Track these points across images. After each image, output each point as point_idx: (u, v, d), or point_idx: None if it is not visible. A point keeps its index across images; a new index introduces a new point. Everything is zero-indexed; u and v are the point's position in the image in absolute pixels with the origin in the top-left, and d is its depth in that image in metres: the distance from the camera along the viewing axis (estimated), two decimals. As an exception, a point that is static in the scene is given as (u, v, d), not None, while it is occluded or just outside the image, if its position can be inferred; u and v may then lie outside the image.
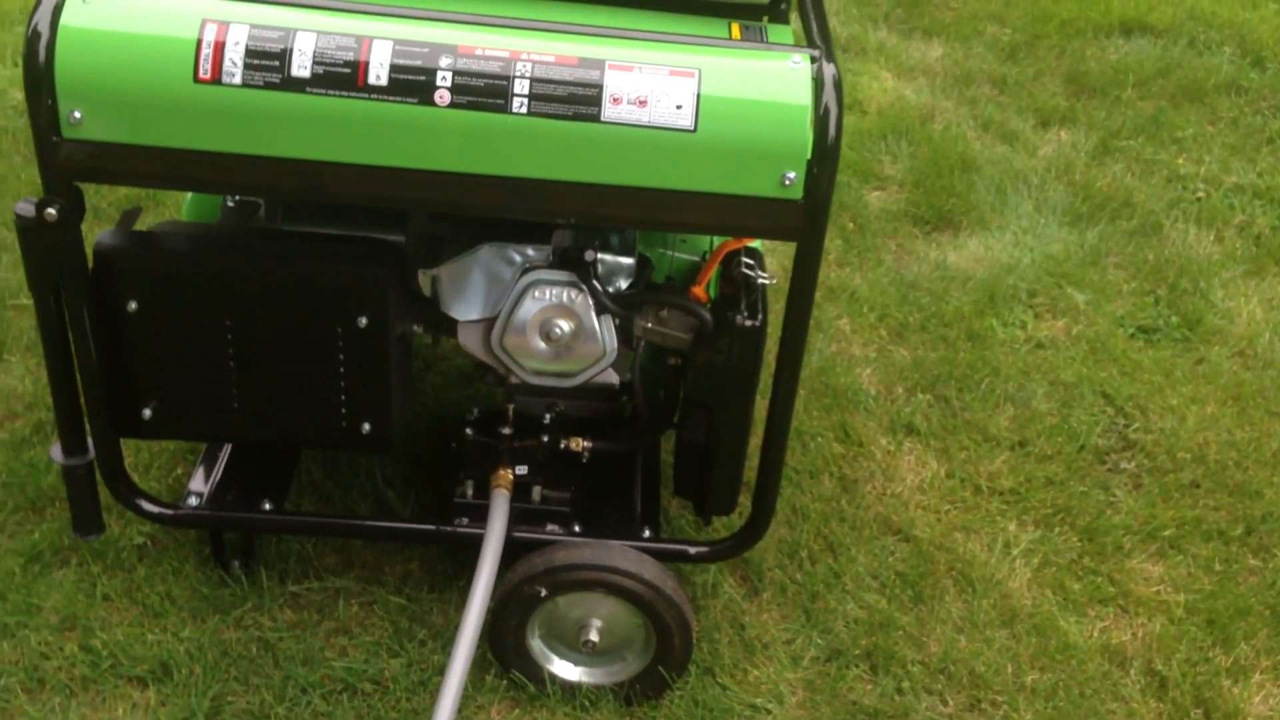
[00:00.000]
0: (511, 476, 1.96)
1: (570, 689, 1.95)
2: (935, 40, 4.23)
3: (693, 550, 2.00)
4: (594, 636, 1.91)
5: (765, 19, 2.14)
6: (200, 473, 2.07)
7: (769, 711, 1.96)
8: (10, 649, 1.94)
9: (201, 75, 1.58)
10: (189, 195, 2.13)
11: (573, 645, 1.94)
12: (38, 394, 2.40)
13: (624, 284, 1.89)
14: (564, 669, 1.96)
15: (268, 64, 1.59)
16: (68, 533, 2.11)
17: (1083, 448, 2.52)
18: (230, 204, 2.01)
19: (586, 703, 1.94)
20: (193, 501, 2.00)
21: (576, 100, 1.60)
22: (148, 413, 1.88)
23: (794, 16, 2.01)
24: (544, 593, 1.86)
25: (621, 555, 1.86)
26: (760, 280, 1.85)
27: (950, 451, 2.48)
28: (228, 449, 2.12)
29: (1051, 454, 2.50)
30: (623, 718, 1.94)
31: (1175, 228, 3.28)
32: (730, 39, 1.99)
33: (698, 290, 1.87)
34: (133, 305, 1.79)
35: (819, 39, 1.72)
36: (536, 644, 1.94)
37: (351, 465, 2.29)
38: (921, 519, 2.32)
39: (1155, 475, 2.48)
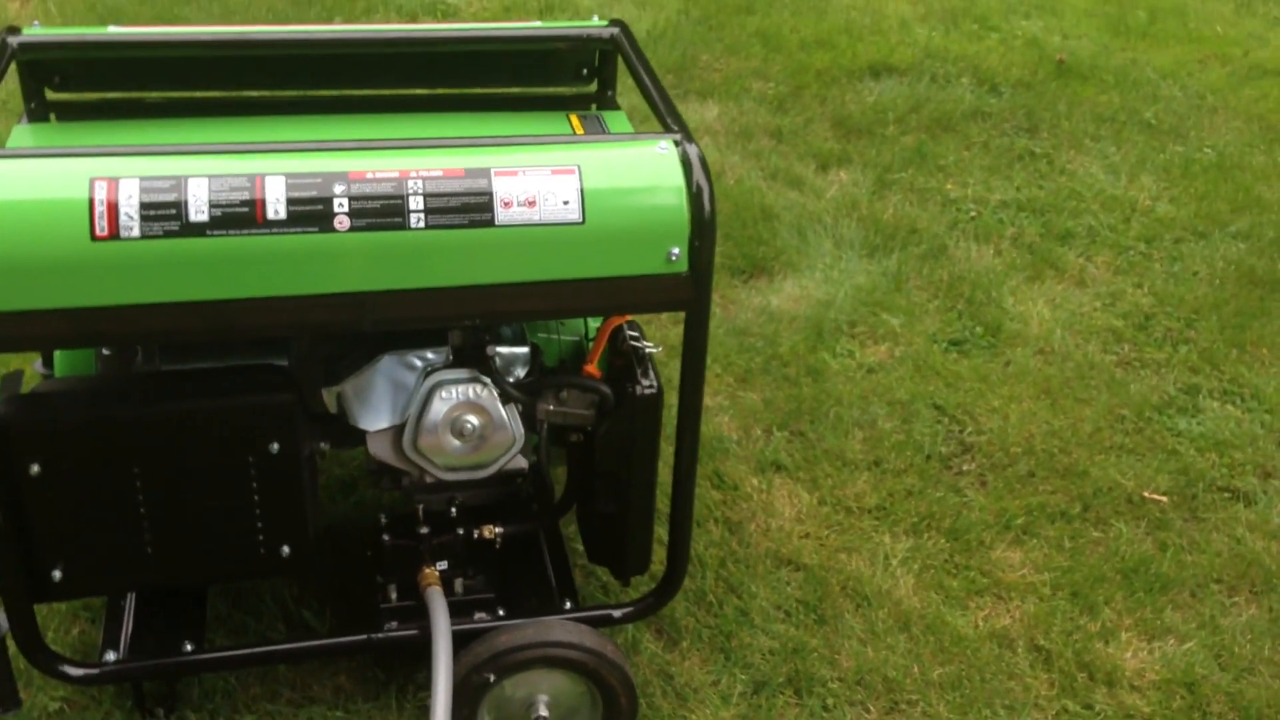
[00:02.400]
0: (437, 573, 2.02)
1: (526, 768, 2.02)
2: (710, 101, 4.50)
3: (617, 613, 2.10)
4: (544, 712, 1.98)
5: (594, 107, 2.30)
6: (110, 627, 2.03)
7: (713, 751, 2.08)
8: (-59, 844, 1.86)
9: (99, 233, 1.60)
10: (58, 352, 2.11)
11: (523, 725, 2.01)
12: (-99, 577, 2.29)
13: (521, 372, 1.99)
14: (518, 750, 2.03)
15: (164, 213, 1.62)
16: (-25, 714, 2.04)
17: (929, 457, 2.76)
18: (106, 352, 2.00)
19: (544, 778, 2.00)
20: (111, 657, 1.97)
21: (470, 209, 1.70)
22: (57, 574, 1.85)
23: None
24: (492, 678, 1.92)
25: (561, 629, 1.94)
26: (647, 349, 1.98)
27: (817, 480, 2.67)
28: (132, 598, 2.09)
29: (904, 468, 2.72)
30: (580, 785, 2.02)
31: (959, 246, 3.61)
32: (577, 133, 2.14)
33: (590, 368, 1.99)
34: (35, 468, 1.77)
35: (673, 124, 1.88)
36: (488, 732, 2.00)
37: (256, 593, 2.29)
38: (806, 547, 2.49)
39: (995, 471, 2.73)
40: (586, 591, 2.34)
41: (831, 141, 4.23)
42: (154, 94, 2.16)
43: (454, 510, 2.08)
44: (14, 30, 2.01)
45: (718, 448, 2.74)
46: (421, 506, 2.06)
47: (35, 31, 2.02)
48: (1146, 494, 2.67)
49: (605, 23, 2.22)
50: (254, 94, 2.19)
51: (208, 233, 1.63)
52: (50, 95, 2.11)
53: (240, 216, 1.64)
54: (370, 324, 1.75)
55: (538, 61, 2.25)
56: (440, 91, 2.23)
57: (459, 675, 1.92)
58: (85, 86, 2.13)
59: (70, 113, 2.12)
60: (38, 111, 2.10)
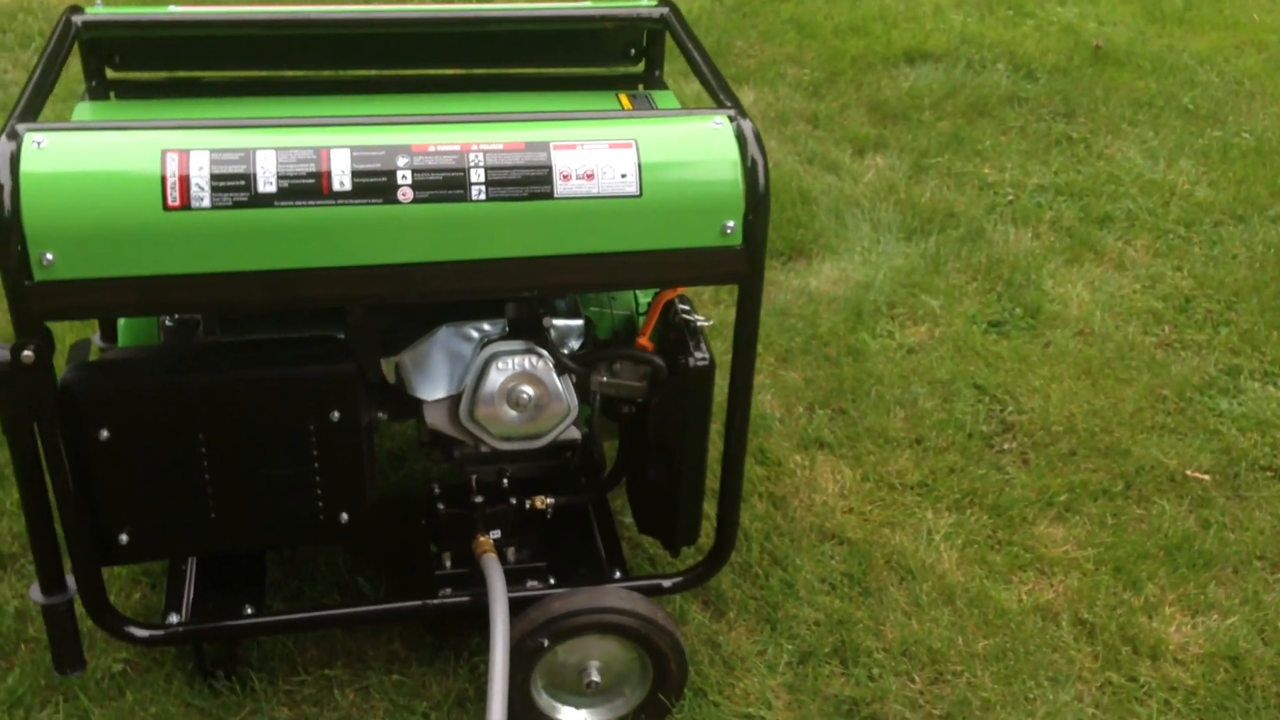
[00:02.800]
0: (491, 541, 2.06)
1: (578, 733, 2.06)
2: (745, 86, 4.52)
3: (667, 583, 2.14)
4: (596, 677, 2.02)
5: (641, 87, 2.33)
6: (172, 590, 2.08)
7: (761, 718, 2.11)
8: (13, 800, 1.92)
9: (170, 203, 1.64)
10: (123, 321, 2.16)
11: (575, 690, 2.04)
12: (-35, 545, 2.36)
13: (575, 344, 2.03)
14: (570, 715, 2.06)
15: (234, 184, 1.66)
16: (43, 673, 2.09)
17: (971, 436, 2.78)
18: (169, 323, 2.05)
19: (595, 742, 2.04)
20: (174, 619, 2.02)
21: (530, 181, 1.73)
22: (124, 538, 1.89)
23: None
24: (546, 643, 1.96)
25: (614, 596, 1.98)
26: (699, 323, 2.02)
27: (859, 457, 2.70)
28: (193, 563, 2.14)
29: (946, 445, 2.74)
30: (630, 750, 2.06)
31: (997, 230, 3.62)
32: (625, 109, 2.17)
33: (643, 341, 2.02)
34: (104, 434, 1.81)
35: (727, 100, 1.91)
36: (542, 697, 2.04)
37: (312, 560, 2.33)
38: (850, 522, 2.52)
39: (1037, 450, 2.75)
40: (633, 563, 2.38)
41: (867, 126, 4.25)
42: (212, 73, 2.20)
43: (505, 481, 2.12)
44: (78, 9, 2.06)
45: (760, 425, 2.77)
46: (474, 477, 2.10)
47: (98, 11, 2.07)
48: (1189, 472, 2.69)
49: (655, 3, 2.25)
50: (308, 74, 2.23)
51: (275, 203, 1.67)
52: (110, 74, 2.16)
53: (307, 188, 1.67)
54: (430, 295, 1.79)
55: (587, 41, 2.29)
56: (491, 71, 2.27)
57: (513, 640, 1.95)
58: (145, 65, 2.18)
59: (129, 91, 2.17)
60: (98, 90, 2.15)
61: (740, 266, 1.82)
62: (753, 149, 1.78)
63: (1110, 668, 2.23)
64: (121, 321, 2.17)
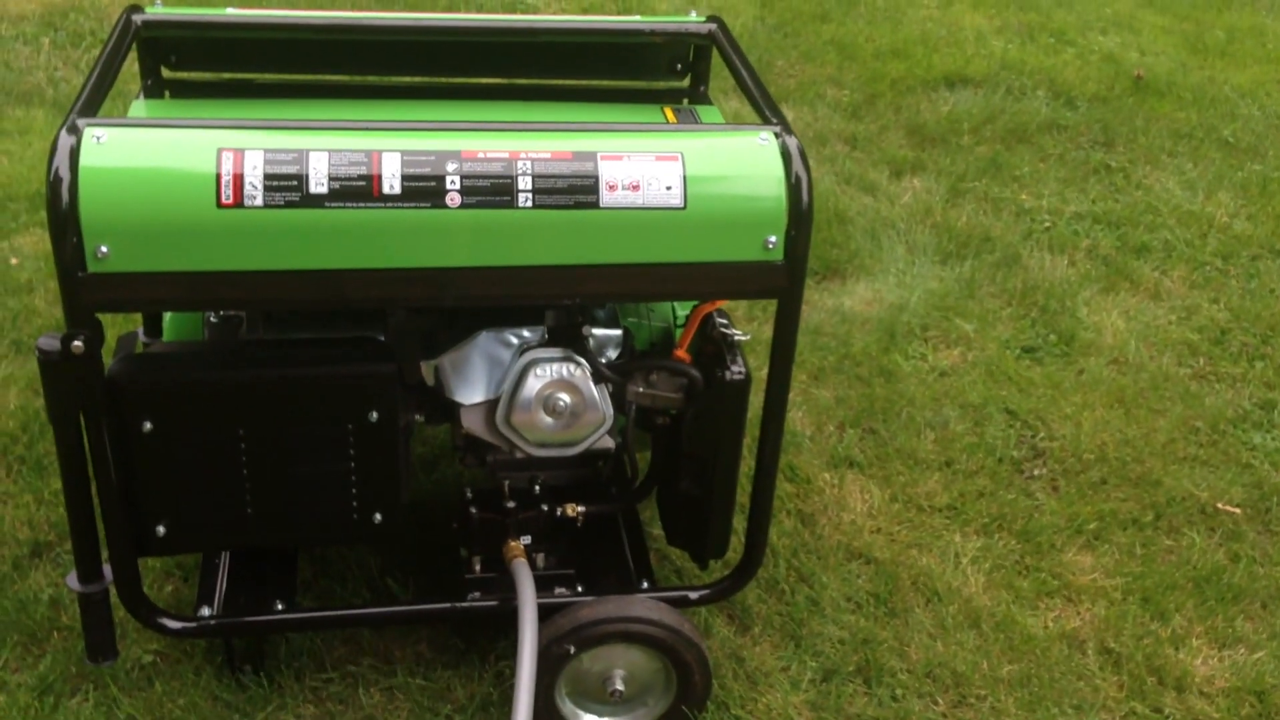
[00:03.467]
0: (522, 547, 2.07)
1: (601, 741, 2.07)
2: (785, 106, 4.54)
3: (694, 595, 2.15)
4: (620, 686, 2.03)
5: (686, 101, 2.36)
6: (205, 584, 2.11)
7: (784, 734, 2.12)
8: (43, 783, 1.95)
9: (224, 201, 1.67)
10: (169, 316, 2.19)
11: (599, 698, 2.06)
12: (3, 531, 2.39)
13: (613, 354, 2.05)
14: (593, 724, 2.08)
15: (286, 184, 1.69)
16: (74, 661, 2.12)
17: (1001, 460, 2.78)
18: (214, 319, 2.08)
19: (618, 751, 2.05)
20: (206, 612, 2.04)
21: (576, 190, 1.75)
22: (161, 530, 1.92)
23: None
24: (572, 650, 1.97)
25: (641, 606, 1.99)
26: (737, 337, 2.03)
27: (889, 478, 2.70)
28: (226, 558, 2.17)
29: (975, 469, 2.74)
30: (653, 760, 2.06)
31: (1033, 256, 3.62)
32: (670, 123, 2.19)
33: (680, 353, 2.04)
34: (147, 426, 1.84)
35: (773, 116, 1.92)
36: (566, 704, 2.05)
37: (343, 560, 2.36)
38: (877, 542, 2.52)
39: (1068, 477, 2.75)
40: (660, 574, 2.38)
41: (905, 149, 4.26)
42: (265, 75, 2.24)
43: (537, 488, 2.14)
44: (137, 9, 2.10)
45: (790, 442, 2.77)
46: (506, 483, 2.12)
47: (158, 11, 2.11)
48: (1220, 505, 2.68)
49: (703, 19, 2.27)
50: (358, 79, 2.26)
51: (326, 204, 1.70)
52: (165, 73, 2.20)
53: (357, 190, 1.70)
54: (474, 300, 1.81)
55: (634, 55, 2.31)
56: (538, 82, 2.30)
57: (540, 645, 1.97)
58: (200, 66, 2.22)
59: (183, 90, 2.21)
60: (153, 88, 2.19)
61: (781, 282, 1.84)
62: (797, 165, 1.80)
63: (1135, 698, 2.23)
64: (167, 316, 2.20)
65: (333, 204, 1.70)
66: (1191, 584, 2.46)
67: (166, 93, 2.20)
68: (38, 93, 4.28)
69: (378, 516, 1.98)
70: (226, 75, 2.24)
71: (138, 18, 2.08)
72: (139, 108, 2.13)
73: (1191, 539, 2.58)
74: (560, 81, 2.31)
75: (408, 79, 2.28)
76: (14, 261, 3.27)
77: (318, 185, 1.70)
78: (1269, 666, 2.29)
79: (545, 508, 2.12)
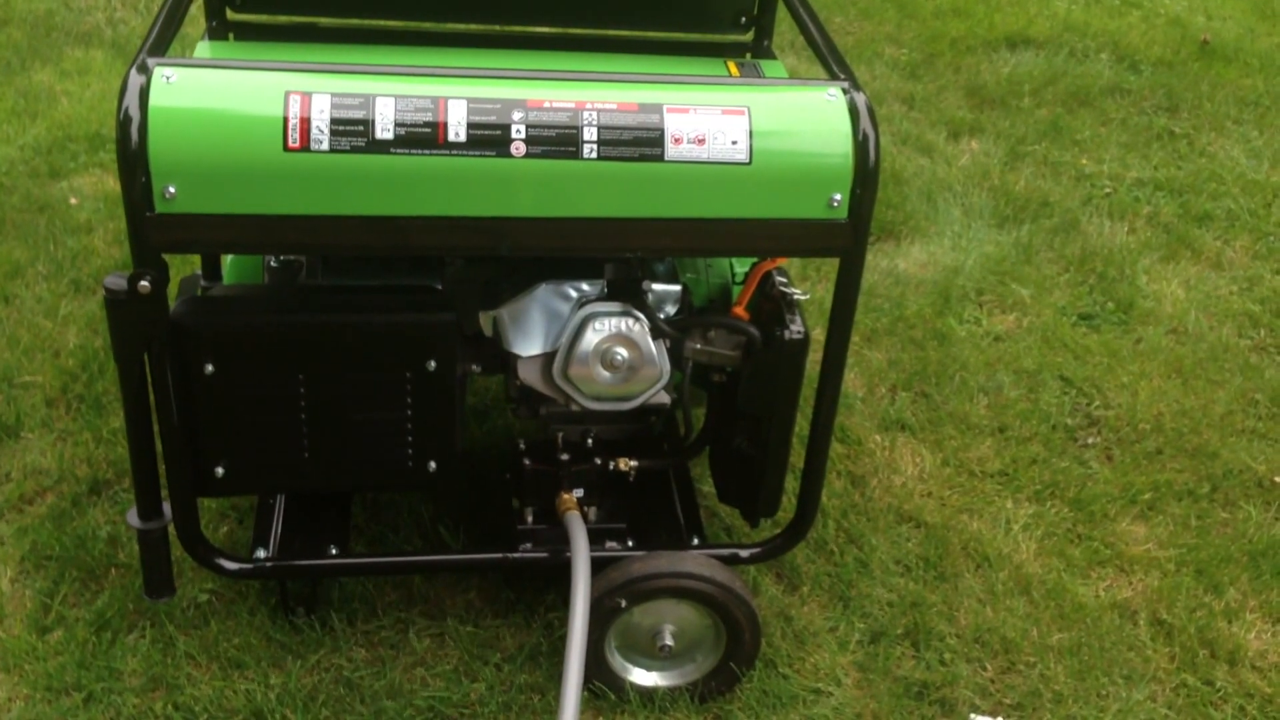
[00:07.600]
0: (575, 499, 2.08)
1: (648, 694, 2.07)
2: (842, 64, 4.47)
3: (744, 553, 2.14)
4: (669, 641, 2.03)
5: (749, 55, 2.33)
6: (260, 526, 2.13)
7: (830, 694, 2.12)
8: (101, 714, 1.98)
9: (291, 144, 1.67)
10: (229, 259, 2.21)
11: (648, 652, 2.06)
12: (63, 468, 2.43)
13: (671, 310, 2.04)
14: (641, 676, 2.08)
15: (353, 129, 1.68)
16: (131, 598, 2.15)
17: (1055, 427, 2.75)
18: (274, 264, 2.09)
19: (665, 704, 2.06)
20: (261, 554, 2.07)
21: (641, 143, 1.73)
22: (220, 471, 1.94)
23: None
24: (624, 604, 1.98)
25: (693, 561, 1.99)
26: (796, 296, 2.01)
27: (940, 442, 2.68)
28: (281, 501, 2.19)
29: (1029, 436, 2.72)
30: (699, 714, 2.07)
31: (1092, 222, 3.57)
32: (732, 76, 2.17)
33: (739, 310, 2.03)
34: (209, 368, 1.85)
35: (840, 72, 1.89)
36: (615, 658, 2.06)
37: (395, 507, 2.37)
38: (928, 506, 2.51)
39: (1123, 446, 2.72)
40: (710, 532, 2.38)
41: (964, 110, 4.20)
42: (329, 20, 2.23)
43: (590, 441, 2.14)
44: None
45: (842, 403, 2.75)
46: (560, 435, 2.12)
47: None
48: (1278, 479, 2.64)
49: (770, -29, 2.23)
50: (421, 25, 2.25)
51: (391, 150, 1.69)
52: (230, 15, 2.19)
53: (423, 137, 1.69)
54: (536, 250, 1.81)
55: (699, 7, 2.28)
56: (602, 32, 2.27)
57: (592, 598, 1.98)
58: (265, 9, 2.21)
59: (248, 33, 2.21)
60: (218, 30, 2.19)
61: (844, 240, 1.82)
62: (865, 123, 1.77)
63: (1186, 669, 2.21)
64: (227, 259, 2.21)
65: (398, 150, 1.69)
66: (1246, 557, 2.44)
67: (231, 35, 2.20)
68: (97, 33, 4.30)
69: (432, 465, 1.99)
70: (291, 19, 2.24)
71: None
72: (203, 49, 2.13)
73: (1248, 512, 2.55)
74: (624, 32, 2.28)
75: (469, 26, 2.26)
76: (73, 201, 3.30)
77: (384, 131, 1.69)
78: (1323, 643, 2.27)
79: (598, 461, 2.12)
